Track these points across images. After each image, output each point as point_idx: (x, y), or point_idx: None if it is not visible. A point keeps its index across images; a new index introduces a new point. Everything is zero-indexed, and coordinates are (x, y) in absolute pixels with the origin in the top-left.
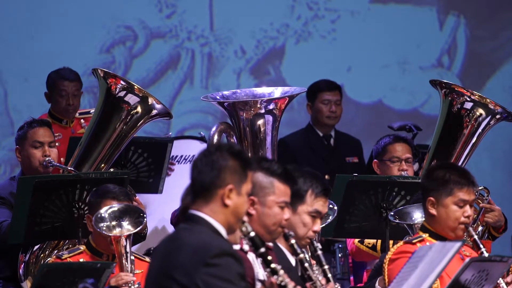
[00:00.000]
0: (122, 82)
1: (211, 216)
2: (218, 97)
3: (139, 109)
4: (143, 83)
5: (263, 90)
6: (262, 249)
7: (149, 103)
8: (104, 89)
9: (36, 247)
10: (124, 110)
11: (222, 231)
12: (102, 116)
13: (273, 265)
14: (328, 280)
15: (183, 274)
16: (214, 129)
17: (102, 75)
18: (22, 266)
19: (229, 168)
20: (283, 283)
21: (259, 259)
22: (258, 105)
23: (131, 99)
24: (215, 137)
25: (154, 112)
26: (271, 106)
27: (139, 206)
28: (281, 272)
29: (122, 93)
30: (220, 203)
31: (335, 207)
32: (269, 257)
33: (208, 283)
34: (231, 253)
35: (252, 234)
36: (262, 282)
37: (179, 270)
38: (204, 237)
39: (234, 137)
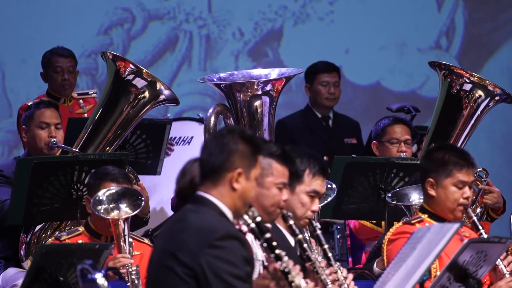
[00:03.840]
0: (131, 65)
1: (219, 199)
2: (215, 79)
3: (146, 93)
4: (141, 65)
5: (260, 72)
6: (268, 235)
7: (157, 88)
8: (113, 72)
9: (38, 227)
10: (131, 93)
11: (229, 214)
12: (109, 99)
13: (277, 251)
14: (328, 260)
15: (186, 254)
16: (210, 111)
17: (111, 57)
18: (23, 246)
19: (239, 152)
20: (286, 269)
21: (263, 247)
22: (255, 87)
23: (139, 83)
24: (212, 119)
25: (162, 97)
26: (268, 88)
27: (143, 191)
28: (286, 258)
29: (130, 77)
30: (228, 187)
31: (333, 186)
32: (274, 243)
33: (211, 264)
34: (237, 237)
35: (259, 219)
36: (263, 264)
37: (183, 250)
38: (210, 219)
39: (231, 119)
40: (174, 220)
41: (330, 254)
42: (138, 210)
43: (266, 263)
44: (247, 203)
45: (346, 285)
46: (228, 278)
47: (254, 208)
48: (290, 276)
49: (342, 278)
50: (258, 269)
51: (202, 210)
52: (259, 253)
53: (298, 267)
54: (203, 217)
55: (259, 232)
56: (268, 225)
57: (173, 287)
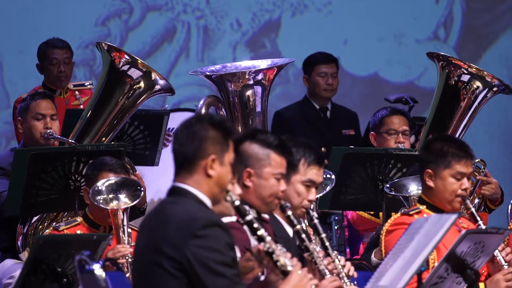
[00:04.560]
0: (126, 56)
1: (195, 188)
2: (207, 72)
3: (142, 83)
4: (139, 56)
5: (252, 63)
6: (248, 217)
7: (152, 78)
8: (108, 62)
9: (35, 218)
10: (127, 84)
11: (207, 202)
12: (105, 90)
13: (259, 232)
14: (325, 249)
15: (172, 248)
16: (201, 102)
17: (106, 48)
18: (21, 237)
19: (211, 139)
20: (270, 250)
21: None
22: (247, 76)
23: (134, 73)
24: (203, 111)
25: (157, 87)
26: (259, 77)
27: (139, 181)
28: (268, 238)
29: (125, 67)
30: (204, 174)
31: (333, 176)
32: (255, 225)
33: (197, 254)
34: (218, 224)
35: (237, 202)
36: (248, 249)
37: (167, 244)
38: (190, 209)
39: (223, 110)
40: (153, 214)
41: (327, 243)
42: (137, 201)
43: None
44: (224, 189)
45: (344, 274)
46: (215, 266)
47: (232, 192)
48: (274, 256)
49: (340, 266)
50: None
51: (181, 201)
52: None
53: (295, 259)
54: (183, 207)
55: (239, 215)
56: (266, 216)
57: (162, 282)
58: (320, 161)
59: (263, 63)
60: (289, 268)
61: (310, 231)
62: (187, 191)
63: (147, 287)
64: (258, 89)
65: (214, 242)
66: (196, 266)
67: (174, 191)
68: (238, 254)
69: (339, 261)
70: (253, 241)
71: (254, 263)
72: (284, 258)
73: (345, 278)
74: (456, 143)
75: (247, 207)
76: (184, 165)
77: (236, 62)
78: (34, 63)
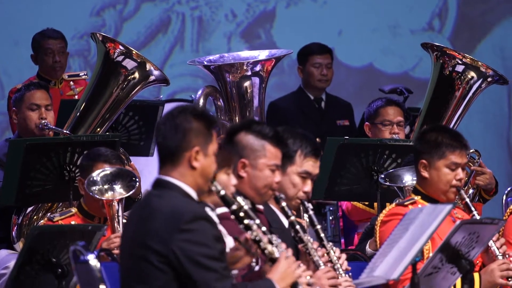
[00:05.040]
0: (120, 46)
1: (180, 180)
2: (204, 62)
3: (136, 74)
4: (133, 46)
5: (250, 54)
6: (234, 206)
7: (147, 69)
8: (102, 53)
9: (30, 209)
10: (121, 74)
11: (193, 194)
12: (99, 81)
13: (246, 221)
14: (320, 240)
15: (158, 242)
16: (199, 92)
17: (100, 39)
18: (15, 228)
19: (194, 130)
20: (257, 238)
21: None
22: (244, 67)
23: (129, 64)
24: (201, 101)
25: (152, 78)
26: (257, 68)
27: (134, 171)
28: (255, 227)
29: (120, 58)
30: (188, 166)
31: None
32: (241, 214)
33: (184, 249)
34: (204, 217)
35: (222, 192)
36: (236, 238)
37: (154, 238)
38: (176, 203)
39: (220, 100)
40: (139, 207)
41: (322, 235)
42: (132, 191)
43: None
44: (209, 179)
45: (339, 265)
46: (203, 260)
47: (217, 182)
48: (262, 244)
49: (335, 258)
50: None
51: (166, 194)
52: None
53: (290, 250)
54: (168, 201)
55: (225, 204)
56: (260, 206)
57: (149, 276)
58: (317, 152)
59: (261, 54)
60: (276, 255)
61: (303, 222)
62: (172, 184)
63: (135, 280)
64: (256, 80)
65: (200, 236)
66: (183, 260)
67: (159, 184)
68: (232, 244)
69: (334, 252)
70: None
71: (243, 252)
72: (272, 246)
73: (340, 270)
74: (450, 134)
75: (241, 199)
76: (168, 157)
77: (234, 52)
78: (28, 54)
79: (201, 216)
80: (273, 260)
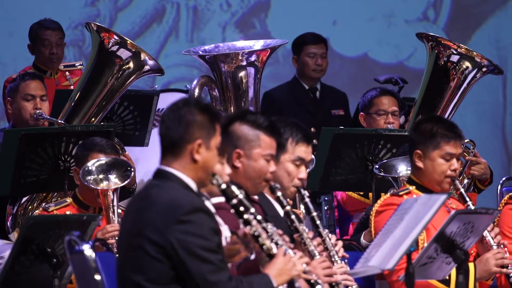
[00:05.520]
0: (115, 36)
1: (181, 171)
2: (200, 51)
3: (131, 64)
4: (128, 36)
5: (245, 43)
6: (234, 201)
7: (142, 59)
8: (97, 43)
9: (24, 199)
10: (116, 64)
11: (193, 186)
12: (94, 70)
13: (245, 216)
14: (316, 227)
15: (155, 233)
16: (195, 82)
17: (95, 29)
18: (10, 218)
19: (197, 123)
20: (256, 233)
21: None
22: (240, 57)
23: (124, 53)
24: (196, 91)
25: (146, 68)
26: (252, 58)
27: (129, 161)
28: (254, 222)
29: (114, 48)
30: (190, 159)
31: (313, 157)
32: (241, 208)
33: (181, 240)
34: (202, 209)
35: (223, 186)
36: (234, 232)
37: (151, 228)
38: (175, 194)
39: (216, 90)
40: (138, 197)
41: (318, 222)
42: (127, 181)
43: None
44: (210, 173)
45: (334, 252)
46: (200, 251)
47: (218, 176)
48: (260, 239)
49: (331, 245)
50: None
51: (166, 185)
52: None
53: (286, 237)
54: (167, 192)
55: (225, 198)
56: (255, 197)
57: (145, 266)
58: (308, 138)
59: (256, 44)
60: (274, 251)
61: (300, 213)
62: (173, 175)
63: (131, 270)
64: (251, 70)
65: (198, 228)
66: (180, 251)
67: (159, 174)
68: (228, 234)
69: (330, 239)
70: (242, 227)
71: (240, 246)
72: (270, 241)
73: (336, 257)
74: (445, 124)
75: (235, 188)
76: (170, 148)
77: (229, 42)
78: (24, 44)
79: (200, 208)
80: (270, 256)
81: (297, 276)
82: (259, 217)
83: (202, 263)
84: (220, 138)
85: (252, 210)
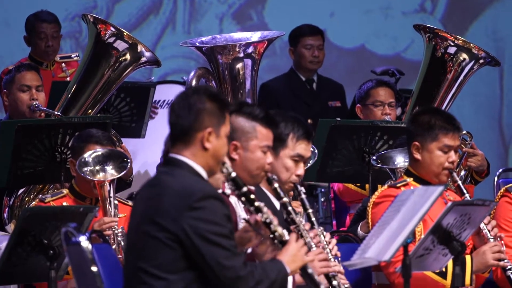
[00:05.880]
0: (111, 28)
1: (192, 159)
2: (197, 43)
3: (127, 56)
4: (125, 28)
5: (242, 35)
6: (245, 189)
7: (138, 50)
8: (93, 35)
9: (21, 190)
10: (112, 56)
11: (203, 173)
12: (90, 62)
13: (256, 203)
14: (312, 224)
15: (168, 220)
16: (192, 74)
17: (92, 20)
18: (7, 209)
19: (207, 111)
20: (268, 220)
21: (241, 201)
22: (237, 49)
23: (120, 45)
24: (193, 82)
25: (143, 59)
26: (249, 50)
27: (125, 153)
28: (265, 209)
29: (111, 39)
30: (200, 147)
31: (316, 151)
32: (252, 196)
33: (194, 226)
34: (215, 196)
35: (234, 174)
36: (246, 220)
37: (164, 216)
38: (187, 181)
39: (213, 82)
40: (149, 185)
41: (313, 219)
42: (124, 172)
43: (247, 218)
44: (220, 161)
45: (328, 250)
46: (213, 237)
47: (228, 164)
48: (272, 226)
49: (325, 242)
50: None
51: (177, 172)
52: (242, 215)
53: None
54: (178, 179)
55: (235, 187)
56: (252, 187)
57: (155, 252)
58: (309, 136)
59: (254, 36)
60: (287, 237)
61: (299, 208)
62: (183, 162)
63: (140, 258)
64: (248, 62)
65: (211, 214)
66: (193, 237)
67: (170, 162)
68: (245, 215)
69: (324, 237)
70: (239, 212)
71: (252, 234)
72: (282, 229)
73: (330, 255)
74: (443, 116)
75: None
76: (180, 137)
77: (226, 34)
78: (20, 36)
79: (212, 195)
80: (283, 243)
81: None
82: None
83: (217, 249)
84: (230, 127)
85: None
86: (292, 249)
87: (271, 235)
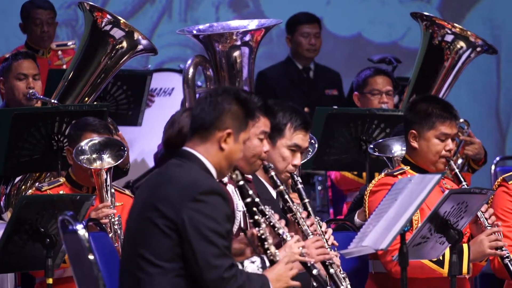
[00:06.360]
0: (108, 16)
1: (204, 156)
2: (194, 31)
3: (124, 43)
4: (121, 16)
5: (240, 23)
6: (248, 199)
7: (135, 38)
8: (90, 22)
9: (17, 179)
10: (109, 44)
11: (213, 171)
12: (87, 50)
13: (257, 217)
14: (308, 214)
15: (169, 207)
16: (189, 62)
17: (88, 8)
18: (3, 197)
19: (232, 113)
20: (263, 236)
21: (243, 211)
22: (234, 37)
23: (117, 33)
24: (191, 70)
25: (140, 47)
26: (247, 38)
27: (122, 141)
28: (263, 226)
29: (107, 27)
30: (217, 145)
31: (316, 144)
32: (254, 208)
33: (192, 218)
34: (220, 193)
35: (241, 183)
36: (243, 230)
37: (165, 203)
38: (195, 174)
39: (210, 70)
40: (157, 173)
41: (310, 209)
42: (120, 161)
43: (247, 219)
44: (232, 165)
45: (325, 240)
46: (208, 233)
47: (239, 172)
48: (266, 244)
49: (321, 232)
50: (239, 219)
51: (187, 165)
52: (240, 204)
53: (283, 221)
54: (187, 171)
55: (241, 195)
56: (249, 176)
57: (154, 239)
58: (307, 126)
59: (251, 24)
60: (277, 258)
61: (293, 196)
62: (195, 157)
63: (138, 242)
64: (245, 50)
65: (211, 210)
66: (188, 228)
67: (182, 155)
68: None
69: (320, 227)
70: (236, 201)
71: (246, 247)
72: (275, 249)
73: (326, 245)
74: (440, 104)
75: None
76: (200, 131)
77: (222, 22)
78: (16, 23)
79: (217, 191)
80: (272, 262)
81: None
82: (271, 213)
83: (208, 245)
84: (249, 135)
85: (267, 210)
86: (279, 269)
87: (264, 252)
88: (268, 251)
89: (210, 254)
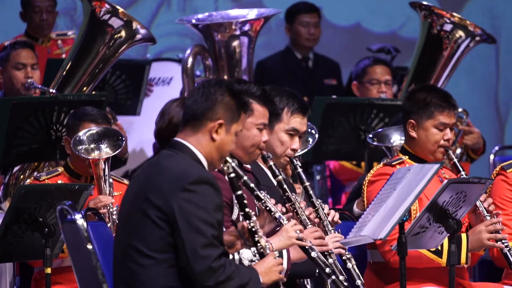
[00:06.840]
0: (106, 5)
1: (196, 147)
2: (193, 20)
3: (123, 33)
4: (120, 5)
5: (239, 13)
6: (239, 192)
7: (133, 28)
8: (88, 12)
9: (16, 168)
10: (107, 33)
11: (204, 162)
12: (85, 39)
13: (247, 209)
14: (310, 197)
15: (160, 197)
16: (188, 52)
17: None
18: (2, 187)
19: (224, 104)
20: (254, 229)
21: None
22: (233, 27)
23: (115, 22)
24: (190, 60)
25: (138, 36)
26: (246, 28)
27: (120, 131)
28: (254, 218)
29: (106, 17)
30: (208, 136)
31: (317, 134)
32: (245, 201)
33: (182, 207)
34: (210, 182)
35: (232, 175)
36: (234, 222)
37: (156, 193)
38: (185, 164)
39: (209, 60)
40: (149, 164)
41: (311, 192)
42: (118, 151)
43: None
44: (223, 157)
45: (327, 222)
46: (197, 222)
47: (230, 164)
48: (256, 236)
49: (324, 215)
50: (237, 210)
51: (178, 156)
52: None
53: (279, 206)
54: (178, 161)
55: (232, 187)
56: (248, 166)
57: (146, 231)
58: (304, 110)
59: (250, 14)
60: (267, 251)
61: (296, 186)
62: (187, 147)
63: (130, 233)
64: (245, 40)
65: (201, 199)
66: (178, 217)
67: (173, 145)
68: None
69: (323, 209)
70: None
71: (236, 238)
72: (264, 241)
73: (329, 226)
74: (439, 94)
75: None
76: (191, 121)
77: (221, 11)
78: (15, 12)
79: (207, 181)
80: (262, 255)
81: (290, 245)
82: (267, 198)
83: (197, 235)
84: (241, 127)
85: (263, 195)
86: (269, 262)
87: (254, 245)
88: (259, 244)
89: (198, 244)
